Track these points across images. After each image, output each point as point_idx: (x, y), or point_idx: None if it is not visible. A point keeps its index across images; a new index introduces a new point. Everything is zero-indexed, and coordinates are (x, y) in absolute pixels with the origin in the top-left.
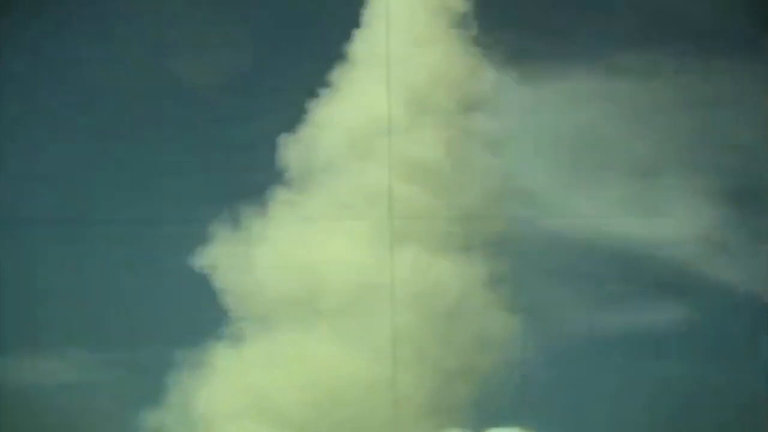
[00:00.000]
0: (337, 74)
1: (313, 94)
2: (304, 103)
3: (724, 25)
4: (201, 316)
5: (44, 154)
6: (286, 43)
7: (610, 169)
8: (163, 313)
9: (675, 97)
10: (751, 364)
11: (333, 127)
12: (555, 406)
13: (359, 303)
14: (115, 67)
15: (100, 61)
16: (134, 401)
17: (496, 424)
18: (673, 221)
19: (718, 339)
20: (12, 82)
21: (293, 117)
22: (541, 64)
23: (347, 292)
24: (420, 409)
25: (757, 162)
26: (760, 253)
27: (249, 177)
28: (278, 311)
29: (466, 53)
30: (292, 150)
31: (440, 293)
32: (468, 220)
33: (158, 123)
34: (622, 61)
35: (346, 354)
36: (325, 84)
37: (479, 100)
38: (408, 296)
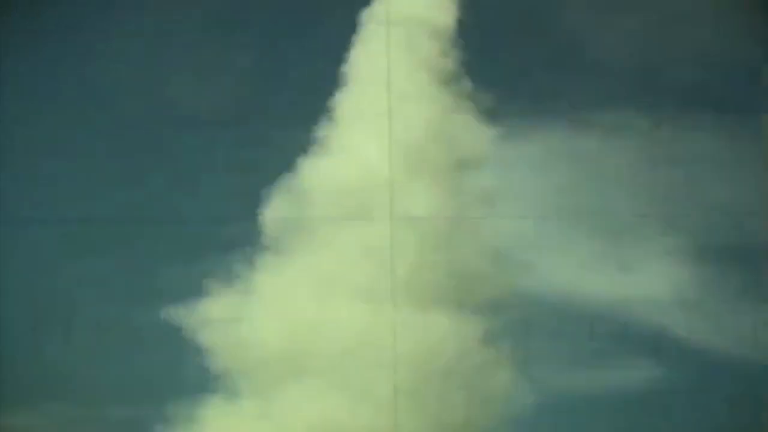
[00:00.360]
0: (327, 130)
1: (303, 149)
2: (295, 155)
3: (704, 80)
4: (194, 370)
5: (44, 155)
6: (275, 98)
7: (587, 227)
8: (152, 367)
9: (652, 153)
10: (730, 421)
11: (327, 182)
12: None
13: (359, 358)
14: (116, 66)
15: (100, 61)
16: None
17: None
18: (648, 280)
19: (695, 398)
20: (12, 82)
21: (283, 168)
22: (519, 123)
23: (347, 347)
24: None
25: (733, 220)
26: (735, 313)
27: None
28: (274, 365)
29: (460, 109)
30: (284, 203)
31: (440, 348)
32: (466, 277)
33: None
34: (598, 118)
35: (345, 408)
36: (315, 140)
37: (474, 157)
38: (408, 351)
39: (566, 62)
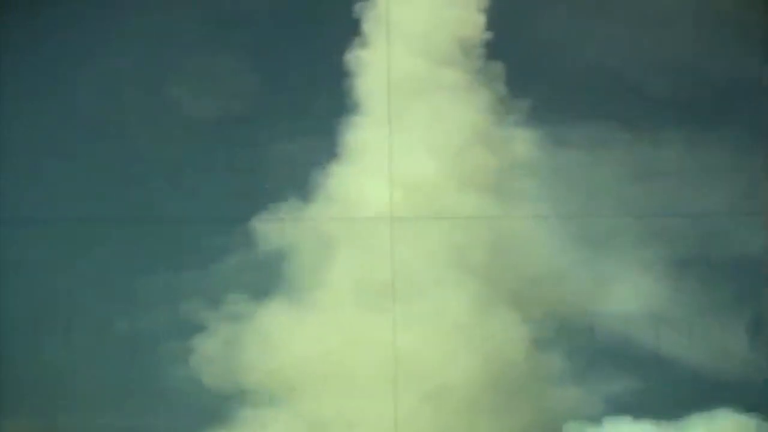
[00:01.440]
0: (330, 132)
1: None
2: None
3: (686, 93)
4: (204, 395)
5: (44, 155)
6: (277, 99)
7: (562, 240)
8: (153, 370)
9: (635, 165)
10: None
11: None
12: None
13: (364, 383)
14: (116, 66)
15: (101, 61)
16: None
17: None
18: (623, 293)
19: (667, 412)
20: (12, 82)
21: (286, 170)
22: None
23: (352, 374)
24: None
25: (707, 233)
26: (707, 326)
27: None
28: (281, 372)
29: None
30: (287, 207)
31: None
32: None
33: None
34: (572, 131)
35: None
36: (318, 143)
37: (515, 161)
38: (412, 380)
39: (532, 73)
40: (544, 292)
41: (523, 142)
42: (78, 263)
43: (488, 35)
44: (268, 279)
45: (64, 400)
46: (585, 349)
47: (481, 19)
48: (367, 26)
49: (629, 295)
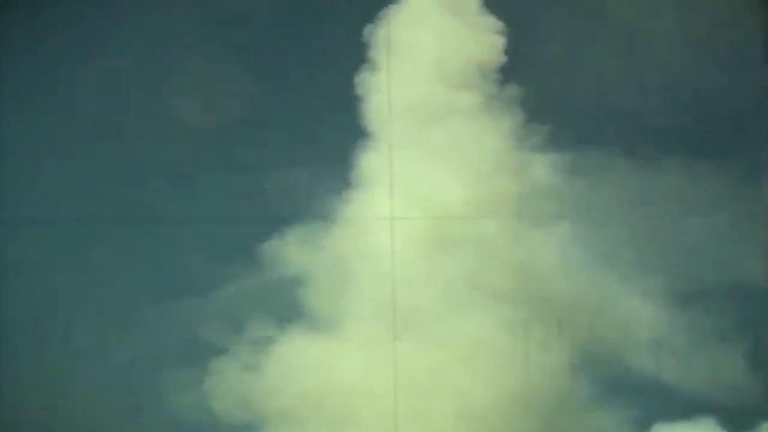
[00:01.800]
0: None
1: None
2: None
3: (685, 123)
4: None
5: (44, 155)
6: (277, 99)
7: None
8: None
9: (633, 194)
10: None
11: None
12: None
13: (364, 406)
14: (116, 66)
15: (101, 61)
16: None
17: None
18: (622, 321)
19: None
20: (12, 82)
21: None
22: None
23: (352, 396)
24: None
25: (703, 262)
26: (705, 355)
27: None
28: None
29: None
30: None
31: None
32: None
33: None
34: (571, 158)
35: None
36: (351, 178)
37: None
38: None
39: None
40: (561, 316)
41: (542, 167)
42: (78, 263)
43: (504, 59)
44: (284, 304)
45: (64, 400)
46: (601, 375)
47: (498, 42)
48: (375, 51)
49: (630, 321)
